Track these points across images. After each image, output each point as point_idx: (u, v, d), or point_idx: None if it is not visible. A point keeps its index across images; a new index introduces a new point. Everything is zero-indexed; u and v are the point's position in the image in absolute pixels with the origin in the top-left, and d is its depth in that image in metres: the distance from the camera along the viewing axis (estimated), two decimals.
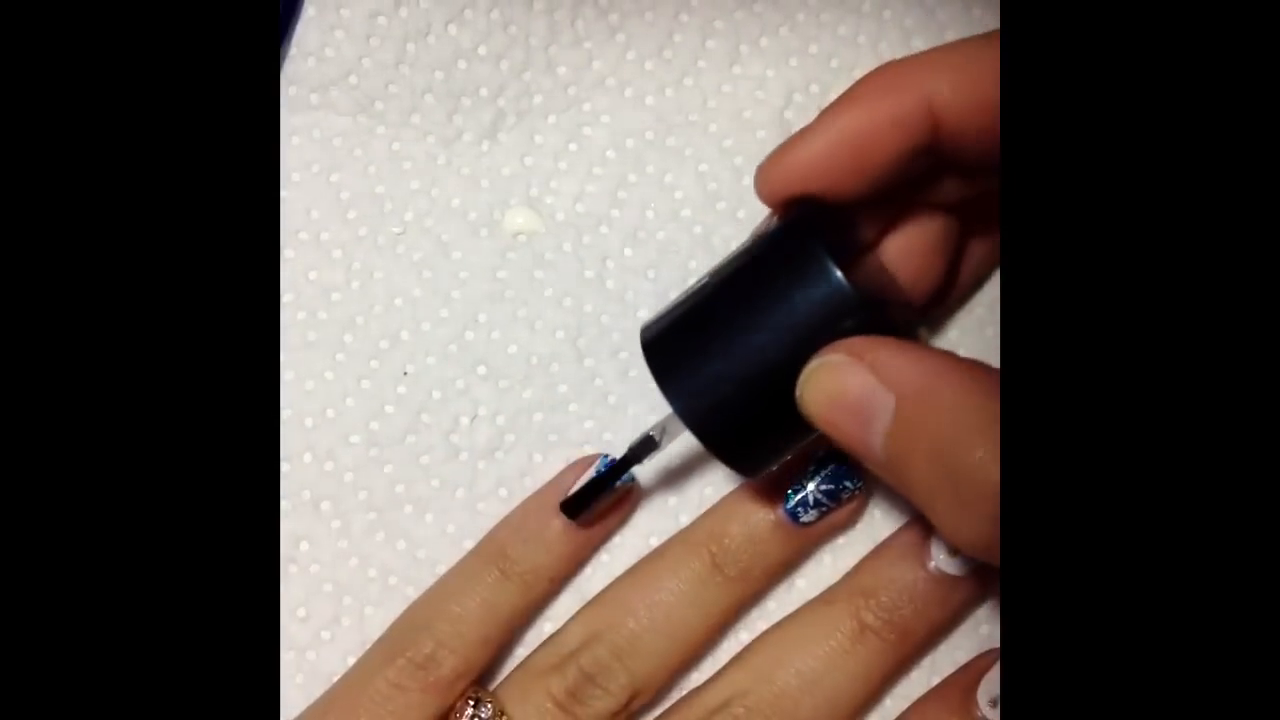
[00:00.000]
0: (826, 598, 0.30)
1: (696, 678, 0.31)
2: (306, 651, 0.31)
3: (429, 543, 0.32)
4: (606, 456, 0.31)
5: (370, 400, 0.32)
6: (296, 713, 0.30)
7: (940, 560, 0.29)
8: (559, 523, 0.30)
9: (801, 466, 0.30)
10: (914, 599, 0.29)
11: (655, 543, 0.31)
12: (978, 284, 0.32)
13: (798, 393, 0.24)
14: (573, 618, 0.30)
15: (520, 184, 0.33)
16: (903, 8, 0.33)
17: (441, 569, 0.31)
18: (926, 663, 0.31)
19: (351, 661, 0.31)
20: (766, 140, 0.33)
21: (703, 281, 0.26)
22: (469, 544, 0.31)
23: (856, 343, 0.24)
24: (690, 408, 0.26)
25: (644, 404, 0.32)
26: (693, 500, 0.32)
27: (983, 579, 0.29)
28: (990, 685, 0.29)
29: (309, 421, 0.32)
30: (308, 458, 0.32)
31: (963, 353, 0.32)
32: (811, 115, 0.26)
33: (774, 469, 0.27)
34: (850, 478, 0.30)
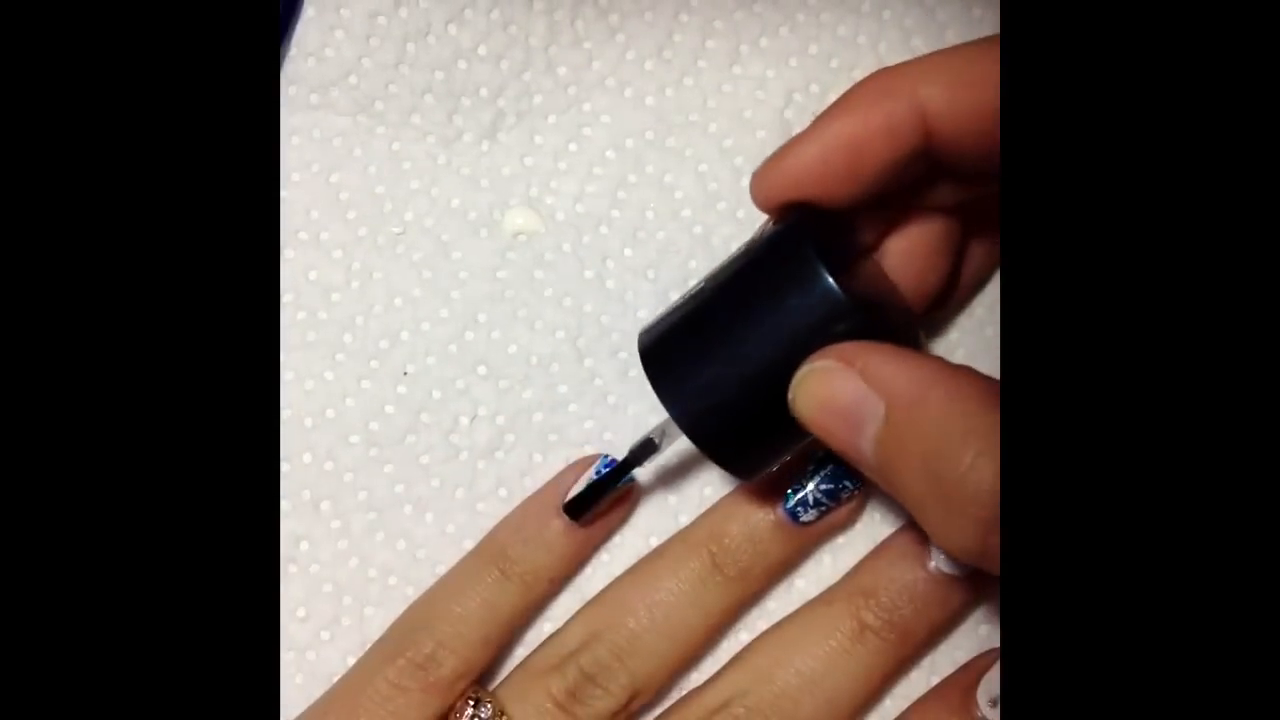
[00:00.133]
0: (826, 598, 0.30)
1: (696, 678, 0.31)
2: (306, 651, 0.31)
3: (429, 543, 0.32)
4: (606, 457, 0.31)
5: (370, 400, 0.32)
6: (296, 713, 0.30)
7: (940, 560, 0.29)
8: (559, 523, 0.30)
9: (801, 466, 0.30)
10: (914, 599, 0.29)
11: (655, 543, 0.31)
12: (978, 285, 0.32)
13: (790, 397, 0.25)
14: (573, 618, 0.30)
15: (520, 184, 0.33)
16: (903, 8, 0.33)
17: (441, 569, 0.31)
18: (926, 663, 0.31)
19: (351, 661, 0.31)
20: (766, 140, 0.33)
21: (699, 286, 0.27)
22: (469, 544, 0.31)
23: (847, 348, 0.24)
24: (685, 412, 0.26)
25: (644, 404, 0.32)
26: (693, 500, 0.32)
27: (983, 579, 0.29)
28: (990, 685, 0.29)
29: (309, 421, 0.32)
30: (308, 458, 0.32)
31: (962, 353, 0.32)
32: (811, 115, 0.26)
33: (773, 469, 0.28)
34: (850, 477, 0.30)
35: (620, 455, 0.30)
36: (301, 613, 0.32)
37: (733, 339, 0.25)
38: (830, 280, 0.24)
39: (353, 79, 0.33)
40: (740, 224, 0.33)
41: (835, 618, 0.29)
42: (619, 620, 0.29)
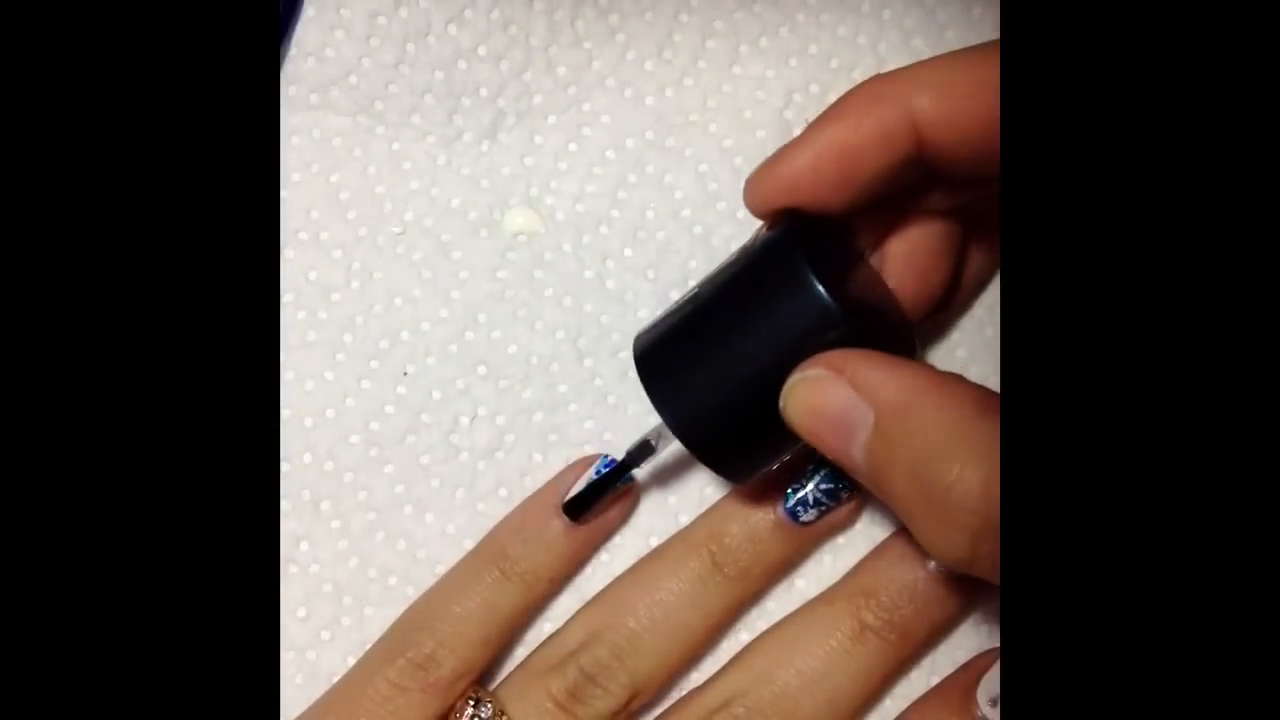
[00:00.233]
0: (826, 598, 0.30)
1: (696, 678, 0.31)
2: (306, 651, 0.31)
3: (429, 543, 0.32)
4: (606, 457, 0.31)
5: (370, 400, 0.32)
6: (296, 713, 0.30)
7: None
8: (559, 523, 0.30)
9: (801, 466, 0.30)
10: (914, 599, 0.29)
11: (655, 543, 0.31)
12: (979, 288, 0.32)
13: (781, 404, 0.25)
14: (573, 618, 0.30)
15: (520, 184, 0.33)
16: (902, 8, 0.33)
17: (441, 569, 0.31)
18: (926, 663, 0.31)
19: (351, 661, 0.31)
20: (766, 140, 0.33)
21: (693, 291, 0.27)
22: (469, 544, 0.31)
23: (836, 356, 0.24)
24: (678, 416, 0.26)
25: (644, 404, 0.32)
26: (693, 500, 0.32)
27: (983, 580, 0.29)
28: (990, 685, 0.29)
29: (309, 421, 0.32)
30: (308, 458, 0.32)
31: (962, 353, 0.32)
32: (811, 115, 0.26)
33: (773, 469, 0.28)
34: (849, 478, 0.30)
35: (620, 455, 0.30)
36: (301, 613, 0.32)
37: (725, 345, 0.25)
38: (820, 288, 0.24)
39: (353, 79, 0.33)
40: (740, 224, 0.33)
41: (835, 618, 0.29)
42: (619, 620, 0.29)
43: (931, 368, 0.24)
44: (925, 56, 0.29)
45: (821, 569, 0.31)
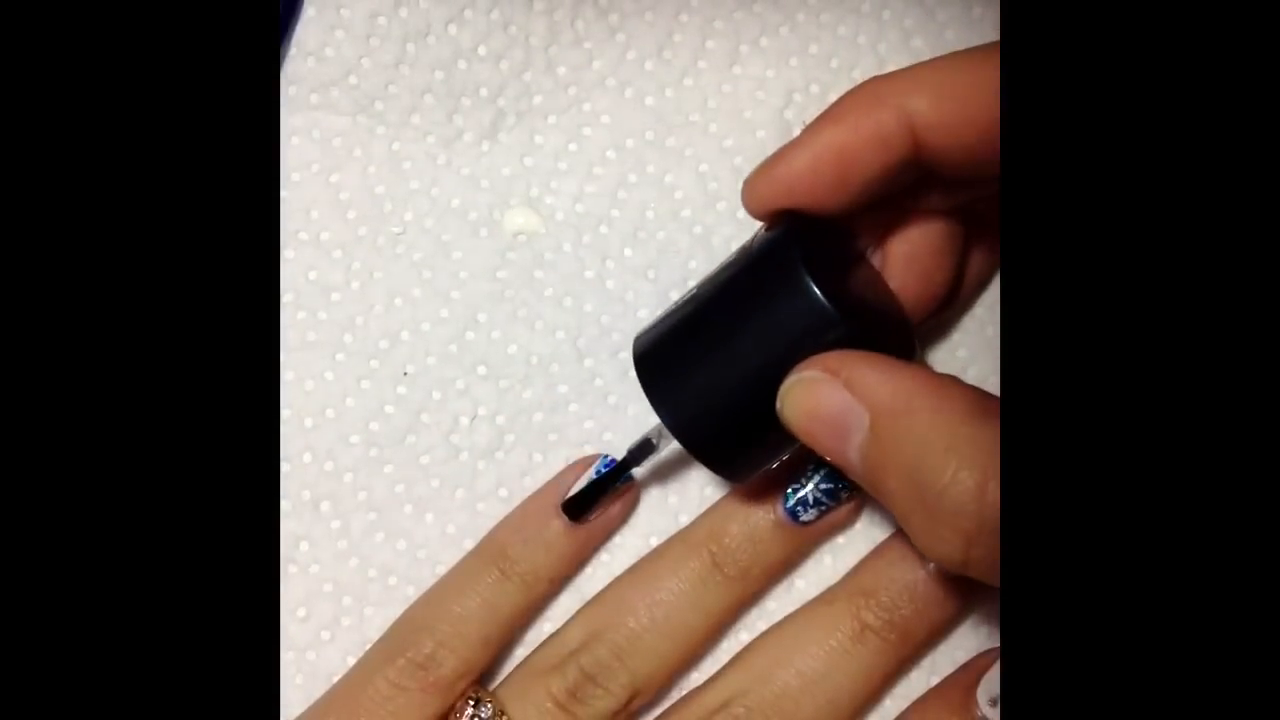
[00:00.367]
0: (826, 598, 0.30)
1: (696, 678, 0.31)
2: (306, 651, 0.31)
3: (429, 543, 0.32)
4: (606, 456, 0.31)
5: (370, 400, 0.32)
6: (296, 713, 0.30)
7: None
8: (559, 523, 0.30)
9: (801, 466, 0.30)
10: (914, 599, 0.29)
11: (655, 543, 0.31)
12: (980, 287, 0.32)
13: (778, 405, 0.25)
14: (573, 618, 0.30)
15: (520, 184, 0.33)
16: (903, 8, 0.33)
17: (441, 569, 0.31)
18: (926, 663, 0.31)
19: (351, 661, 0.31)
20: (766, 140, 0.33)
21: (691, 293, 0.27)
22: (469, 544, 0.31)
23: (832, 358, 0.24)
24: (676, 417, 0.27)
25: (644, 404, 0.32)
26: (693, 500, 0.32)
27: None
28: (990, 684, 0.29)
29: (309, 421, 0.32)
30: (308, 458, 0.32)
31: (963, 353, 0.32)
32: (811, 115, 0.26)
33: (773, 469, 0.28)
34: (848, 478, 0.30)
35: (620, 455, 0.30)
36: (301, 613, 0.32)
37: (723, 346, 0.26)
38: (816, 290, 0.24)
39: (353, 79, 0.32)
40: (740, 224, 0.33)
41: (835, 618, 0.29)
42: (619, 620, 0.29)
43: (928, 370, 0.24)
44: (925, 56, 0.30)
45: (821, 569, 0.31)
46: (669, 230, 0.33)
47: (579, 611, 0.30)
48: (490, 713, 0.29)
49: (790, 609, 0.31)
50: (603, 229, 0.33)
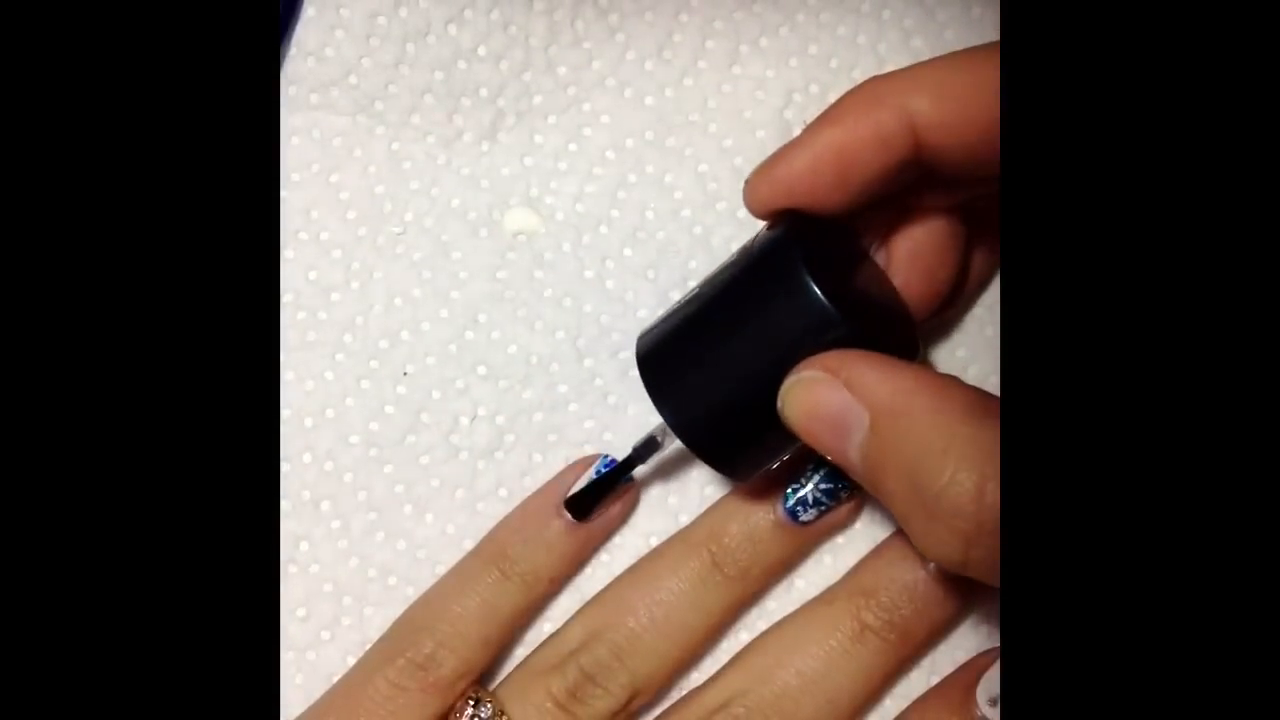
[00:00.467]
0: (826, 598, 0.30)
1: (696, 678, 0.31)
2: (306, 651, 0.31)
3: (429, 543, 0.32)
4: (607, 456, 0.31)
5: (370, 400, 0.32)
6: (296, 713, 0.30)
7: None
8: (559, 523, 0.30)
9: (801, 466, 0.30)
10: (914, 599, 0.29)
11: (655, 543, 0.31)
12: (981, 286, 0.32)
13: (779, 405, 0.25)
14: (573, 617, 0.30)
15: (520, 184, 0.33)
16: (902, 8, 0.33)
17: (441, 569, 0.31)
18: (926, 663, 0.31)
19: (351, 661, 0.31)
20: (766, 140, 0.33)
21: (694, 292, 0.27)
22: (469, 544, 0.31)
23: (832, 358, 0.24)
24: (678, 416, 0.27)
25: (644, 404, 0.32)
26: (693, 500, 0.32)
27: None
28: (990, 684, 0.29)
29: (309, 421, 0.32)
30: (308, 458, 0.32)
31: (963, 353, 0.32)
32: (811, 115, 0.26)
33: (774, 468, 0.28)
34: (849, 477, 0.30)
35: (620, 455, 0.30)
36: (301, 613, 0.32)
37: (725, 345, 0.26)
38: (816, 290, 0.24)
39: (353, 79, 0.33)
40: (740, 224, 0.33)
41: (835, 618, 0.29)
42: (619, 620, 0.29)
43: (928, 370, 0.24)
44: (925, 56, 0.30)
45: (821, 569, 0.31)
46: (669, 230, 0.33)
47: (579, 611, 0.30)
48: (490, 713, 0.29)
49: (790, 609, 0.31)
50: (602, 229, 0.33)
